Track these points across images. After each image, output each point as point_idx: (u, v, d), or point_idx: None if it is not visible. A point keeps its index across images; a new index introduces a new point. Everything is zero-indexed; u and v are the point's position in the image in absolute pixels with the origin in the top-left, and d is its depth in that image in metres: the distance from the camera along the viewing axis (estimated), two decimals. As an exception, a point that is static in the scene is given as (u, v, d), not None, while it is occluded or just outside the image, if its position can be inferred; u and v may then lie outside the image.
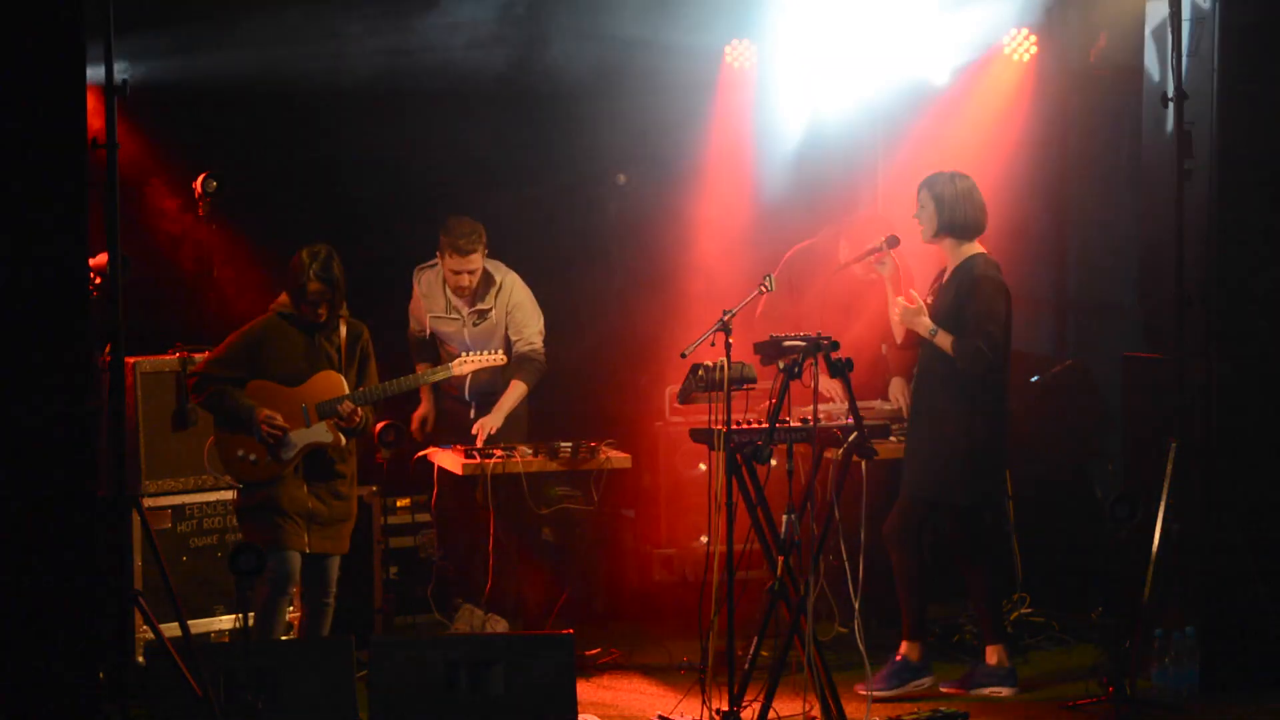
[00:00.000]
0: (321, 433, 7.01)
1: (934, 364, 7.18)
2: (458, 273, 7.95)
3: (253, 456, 6.98)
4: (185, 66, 8.33)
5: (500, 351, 7.70)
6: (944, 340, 7.07)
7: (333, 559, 7.12)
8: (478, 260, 7.95)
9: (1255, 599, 7.29)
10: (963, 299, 7.11)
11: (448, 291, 8.09)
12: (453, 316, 8.12)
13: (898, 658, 7.25)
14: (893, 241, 7.25)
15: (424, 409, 8.31)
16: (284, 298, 7.07)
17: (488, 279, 8.06)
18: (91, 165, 5.88)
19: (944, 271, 7.35)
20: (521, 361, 8.03)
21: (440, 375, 7.59)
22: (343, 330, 7.11)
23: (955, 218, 7.21)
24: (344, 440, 7.05)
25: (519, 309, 8.08)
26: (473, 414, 8.09)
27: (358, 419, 7.01)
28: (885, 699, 7.03)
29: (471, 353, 7.63)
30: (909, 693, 7.15)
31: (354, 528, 7.24)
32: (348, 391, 7.01)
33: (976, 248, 7.28)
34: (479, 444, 7.85)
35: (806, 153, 9.45)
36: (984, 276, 7.16)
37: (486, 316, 8.07)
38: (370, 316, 7.45)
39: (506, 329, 8.08)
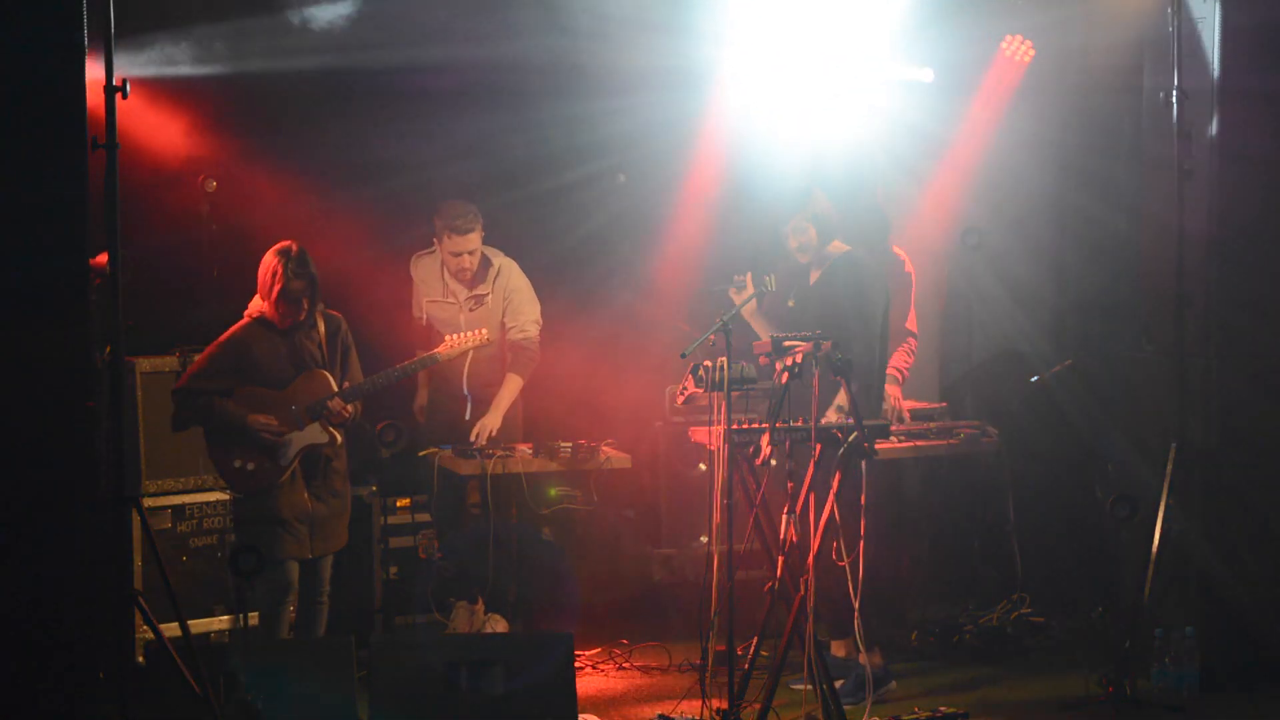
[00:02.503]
0: (316, 433, 7.00)
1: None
2: (457, 254, 7.94)
3: (250, 465, 6.96)
4: (185, 66, 8.33)
5: (484, 330, 7.66)
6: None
7: (326, 557, 7.12)
8: (475, 240, 7.95)
9: (1255, 599, 7.30)
10: (842, 297, 7.06)
11: (445, 276, 8.08)
12: (449, 301, 8.10)
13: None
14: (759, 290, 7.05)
15: (421, 398, 8.31)
16: (259, 302, 7.04)
17: (485, 263, 8.05)
18: (92, 165, 5.89)
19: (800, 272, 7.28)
20: (515, 353, 8.01)
21: (426, 363, 7.54)
22: (321, 325, 7.09)
23: (836, 224, 7.18)
24: (340, 437, 7.05)
25: (517, 293, 8.06)
26: (469, 409, 8.07)
27: (347, 414, 7.01)
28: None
29: (456, 335, 7.60)
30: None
31: (355, 529, 7.25)
32: (335, 389, 7.00)
33: (842, 245, 7.24)
34: (479, 444, 7.84)
35: (807, 152, 9.44)
36: (872, 276, 7.11)
37: (484, 301, 8.06)
38: (370, 313, 7.44)
39: (504, 315, 8.07)
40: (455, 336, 7.55)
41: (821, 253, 7.18)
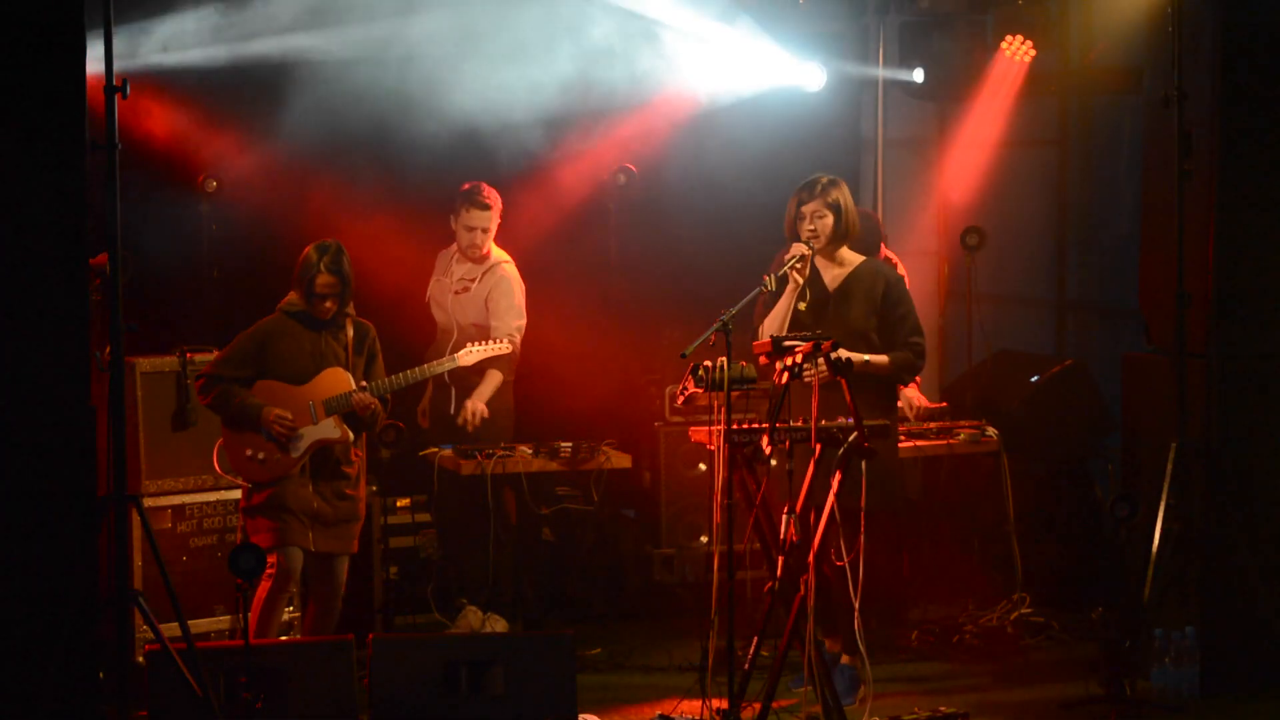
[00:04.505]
0: (329, 429, 7.02)
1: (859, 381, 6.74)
2: (471, 229, 8.09)
3: (261, 455, 6.99)
4: (185, 63, 8.32)
5: (505, 341, 7.74)
6: (878, 361, 6.87)
7: (341, 559, 7.13)
8: (489, 219, 8.09)
9: (1255, 599, 7.29)
10: (884, 307, 7.02)
11: (455, 259, 8.19)
12: (444, 278, 8.24)
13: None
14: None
15: (424, 401, 8.32)
16: (292, 295, 7.08)
17: (492, 258, 8.13)
18: (92, 165, 5.89)
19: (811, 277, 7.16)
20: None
21: (446, 366, 7.61)
22: (349, 330, 7.12)
23: (851, 225, 7.09)
24: (351, 436, 7.07)
25: (504, 296, 8.10)
26: (454, 400, 8.08)
27: (372, 405, 7.04)
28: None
29: (476, 344, 7.68)
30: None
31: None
32: (354, 387, 7.02)
33: (854, 254, 7.18)
34: (470, 428, 7.88)
35: (808, 152, 9.45)
36: (897, 282, 7.11)
37: (469, 288, 8.15)
38: (383, 312, 7.48)
39: (487, 310, 8.09)
40: (476, 346, 7.63)
41: (834, 253, 7.13)
